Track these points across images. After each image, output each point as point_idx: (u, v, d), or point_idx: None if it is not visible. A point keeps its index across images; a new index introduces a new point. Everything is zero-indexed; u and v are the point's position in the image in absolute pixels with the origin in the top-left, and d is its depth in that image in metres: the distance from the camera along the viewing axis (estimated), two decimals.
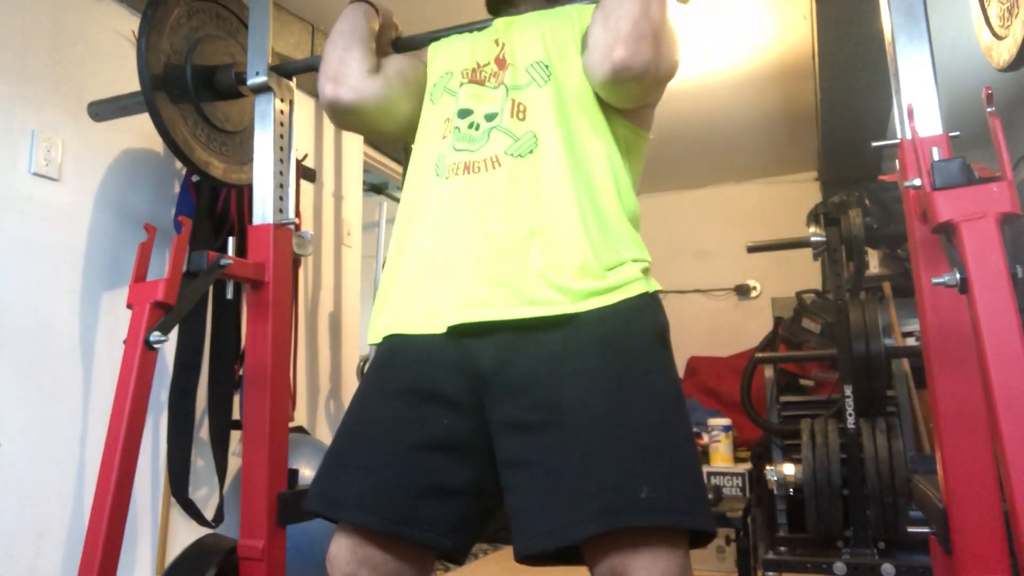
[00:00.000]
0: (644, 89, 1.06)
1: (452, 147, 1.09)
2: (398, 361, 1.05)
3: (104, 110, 2.02)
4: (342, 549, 1.00)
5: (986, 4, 1.37)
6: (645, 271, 1.04)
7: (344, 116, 1.20)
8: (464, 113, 1.11)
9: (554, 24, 1.16)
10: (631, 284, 0.99)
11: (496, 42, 1.18)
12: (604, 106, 1.11)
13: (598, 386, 0.93)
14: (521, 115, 1.07)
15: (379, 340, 1.09)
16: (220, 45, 1.85)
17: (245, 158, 1.89)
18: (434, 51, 1.28)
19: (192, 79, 1.74)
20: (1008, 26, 1.25)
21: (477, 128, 1.08)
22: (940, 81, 1.25)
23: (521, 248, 0.99)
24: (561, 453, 0.90)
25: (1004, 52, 1.29)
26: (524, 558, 0.93)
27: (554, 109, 1.07)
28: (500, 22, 1.22)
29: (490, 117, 1.09)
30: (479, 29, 1.27)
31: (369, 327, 1.12)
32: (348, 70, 1.17)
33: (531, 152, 1.04)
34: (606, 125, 1.10)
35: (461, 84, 1.15)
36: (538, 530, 0.89)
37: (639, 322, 0.99)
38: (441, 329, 1.00)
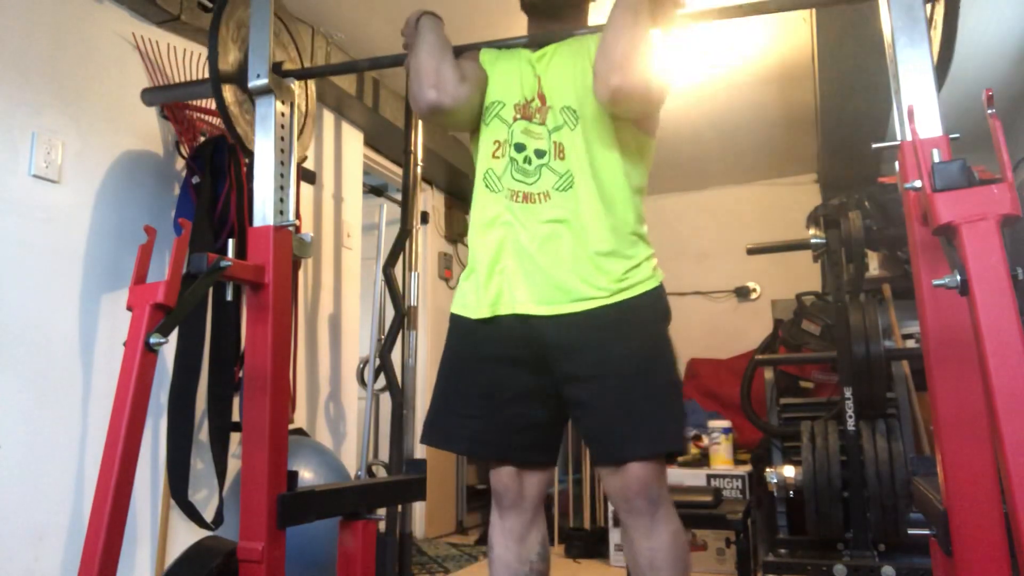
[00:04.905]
0: (641, 105, 1.38)
1: (511, 175, 1.43)
2: (485, 335, 1.43)
3: (156, 98, 2.18)
4: (503, 476, 1.46)
5: None
6: (655, 268, 1.44)
7: (440, 117, 1.47)
8: (519, 147, 1.43)
9: (576, 62, 1.43)
10: (647, 280, 1.41)
11: (535, 75, 1.46)
12: (619, 128, 1.41)
13: (629, 352, 1.36)
14: (561, 155, 1.41)
15: (464, 316, 1.46)
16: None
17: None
18: (488, 63, 1.52)
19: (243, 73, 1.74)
20: None
21: (530, 163, 1.42)
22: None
23: (569, 261, 1.37)
24: (609, 396, 1.35)
25: None
26: (599, 466, 1.41)
27: (583, 148, 1.40)
28: (533, 56, 1.48)
29: (540, 154, 1.42)
30: (508, 47, 1.54)
31: (455, 301, 1.50)
32: (445, 79, 1.43)
33: (570, 187, 1.40)
34: (624, 143, 1.42)
35: (515, 119, 1.45)
36: (603, 451, 1.38)
37: (654, 308, 1.42)
38: (514, 312, 1.39)
